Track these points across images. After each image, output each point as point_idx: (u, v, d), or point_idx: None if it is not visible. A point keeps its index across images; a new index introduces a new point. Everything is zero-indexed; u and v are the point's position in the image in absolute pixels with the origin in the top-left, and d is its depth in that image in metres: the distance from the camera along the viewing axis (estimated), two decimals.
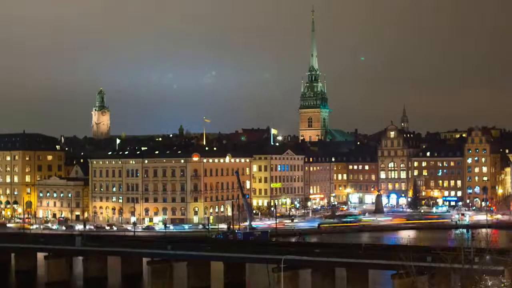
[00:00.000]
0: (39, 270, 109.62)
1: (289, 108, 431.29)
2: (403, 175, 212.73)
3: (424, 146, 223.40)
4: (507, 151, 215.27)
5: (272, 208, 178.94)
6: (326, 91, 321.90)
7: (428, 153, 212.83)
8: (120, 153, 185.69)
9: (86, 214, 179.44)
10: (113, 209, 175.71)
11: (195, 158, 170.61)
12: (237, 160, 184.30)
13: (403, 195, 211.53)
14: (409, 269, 70.77)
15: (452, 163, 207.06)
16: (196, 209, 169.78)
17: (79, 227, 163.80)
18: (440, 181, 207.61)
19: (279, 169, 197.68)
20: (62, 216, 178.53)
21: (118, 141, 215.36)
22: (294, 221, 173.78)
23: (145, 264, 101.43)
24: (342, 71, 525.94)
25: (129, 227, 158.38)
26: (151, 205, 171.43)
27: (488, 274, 69.69)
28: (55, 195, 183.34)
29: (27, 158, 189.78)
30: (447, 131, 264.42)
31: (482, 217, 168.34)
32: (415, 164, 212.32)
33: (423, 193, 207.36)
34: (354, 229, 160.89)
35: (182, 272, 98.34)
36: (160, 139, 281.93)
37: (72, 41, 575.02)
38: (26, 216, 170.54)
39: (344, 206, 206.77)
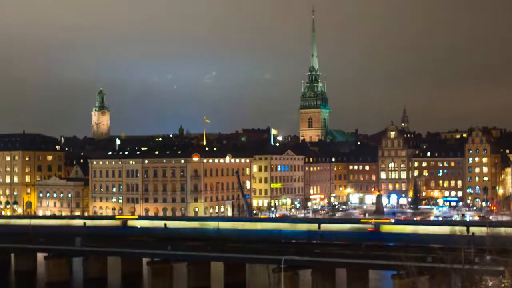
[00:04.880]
0: (39, 270, 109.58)
1: (289, 108, 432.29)
2: (403, 175, 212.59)
3: (424, 146, 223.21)
4: (507, 151, 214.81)
5: (272, 209, 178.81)
6: (326, 91, 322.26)
7: (428, 153, 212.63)
8: (120, 153, 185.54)
9: (86, 215, 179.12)
10: (113, 209, 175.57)
11: (195, 158, 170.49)
12: (237, 160, 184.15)
13: (403, 195, 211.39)
14: (409, 269, 70.69)
15: (452, 163, 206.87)
16: (196, 209, 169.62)
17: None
18: (441, 181, 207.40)
19: (279, 169, 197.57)
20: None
21: (118, 141, 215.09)
22: None
23: (145, 264, 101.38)
24: (342, 71, 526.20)
25: None
26: (151, 205, 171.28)
27: (489, 275, 69.59)
28: (55, 195, 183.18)
29: (27, 158, 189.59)
30: (448, 131, 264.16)
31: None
32: (416, 164, 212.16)
33: (424, 193, 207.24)
34: None
35: (182, 272, 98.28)
36: (160, 139, 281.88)
37: (72, 41, 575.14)
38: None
39: (344, 206, 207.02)
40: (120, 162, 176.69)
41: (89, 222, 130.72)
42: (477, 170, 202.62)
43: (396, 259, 73.42)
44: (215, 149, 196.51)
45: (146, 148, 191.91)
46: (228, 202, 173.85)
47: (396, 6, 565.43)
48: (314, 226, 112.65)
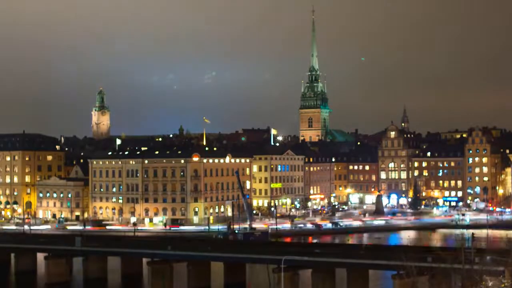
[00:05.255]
0: (39, 270, 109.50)
1: (289, 108, 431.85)
2: (403, 175, 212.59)
3: (424, 147, 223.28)
4: (507, 151, 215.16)
5: (272, 209, 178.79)
6: (326, 91, 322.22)
7: (428, 154, 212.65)
8: (120, 153, 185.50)
9: (86, 215, 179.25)
10: (113, 209, 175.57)
11: (195, 159, 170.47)
12: (237, 160, 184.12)
13: (403, 195, 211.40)
14: (409, 269, 70.68)
15: (452, 164, 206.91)
16: (196, 209, 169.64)
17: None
18: (441, 182, 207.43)
19: (279, 169, 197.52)
20: (62, 216, 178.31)
21: (118, 141, 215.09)
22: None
23: (145, 264, 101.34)
24: (342, 71, 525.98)
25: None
26: (151, 205, 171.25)
27: (489, 275, 69.52)
28: (55, 195, 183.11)
29: (27, 158, 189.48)
30: (448, 132, 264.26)
31: (482, 217, 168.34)
32: (416, 164, 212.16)
33: (424, 194, 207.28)
34: None
35: (182, 272, 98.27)
36: (160, 139, 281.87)
37: (72, 41, 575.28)
38: (26, 216, 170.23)
39: (344, 206, 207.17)
40: (120, 162, 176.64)
41: None
42: (477, 170, 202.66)
43: (396, 259, 73.37)
44: (215, 149, 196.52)
45: (146, 148, 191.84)
46: (228, 202, 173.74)
47: (396, 6, 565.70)
48: None
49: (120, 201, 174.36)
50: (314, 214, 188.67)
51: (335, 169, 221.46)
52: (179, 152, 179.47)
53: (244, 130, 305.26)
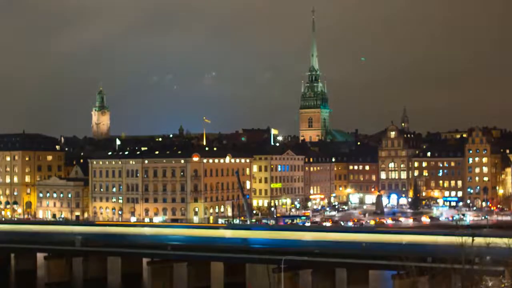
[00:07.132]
0: (39, 270, 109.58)
1: (289, 108, 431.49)
2: (403, 175, 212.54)
3: (424, 146, 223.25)
4: (507, 151, 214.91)
5: (272, 209, 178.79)
6: (326, 91, 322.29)
7: (428, 153, 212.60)
8: (120, 153, 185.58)
9: (86, 215, 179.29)
10: (113, 209, 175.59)
11: (195, 158, 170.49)
12: (237, 160, 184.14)
13: (403, 195, 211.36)
14: (409, 269, 70.69)
15: (452, 164, 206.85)
16: (196, 209, 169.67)
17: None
18: (441, 182, 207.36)
19: (279, 169, 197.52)
20: (62, 216, 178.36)
21: (118, 141, 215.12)
22: None
23: (145, 264, 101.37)
24: (343, 71, 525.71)
25: None
26: (151, 205, 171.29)
27: (489, 275, 69.54)
28: (55, 195, 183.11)
29: (27, 159, 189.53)
30: (448, 131, 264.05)
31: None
32: (416, 164, 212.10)
33: (424, 194, 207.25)
34: None
35: (182, 272, 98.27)
36: (160, 139, 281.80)
37: (72, 40, 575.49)
38: (26, 216, 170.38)
39: (345, 206, 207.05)
40: (120, 162, 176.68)
41: None
42: (477, 170, 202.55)
43: (396, 259, 73.37)
44: (215, 149, 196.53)
45: (146, 148, 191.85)
46: (228, 202, 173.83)
47: (396, 6, 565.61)
48: None
49: (120, 201, 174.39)
50: (314, 214, 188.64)
51: (335, 169, 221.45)
52: (179, 152, 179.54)
53: (244, 130, 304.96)
